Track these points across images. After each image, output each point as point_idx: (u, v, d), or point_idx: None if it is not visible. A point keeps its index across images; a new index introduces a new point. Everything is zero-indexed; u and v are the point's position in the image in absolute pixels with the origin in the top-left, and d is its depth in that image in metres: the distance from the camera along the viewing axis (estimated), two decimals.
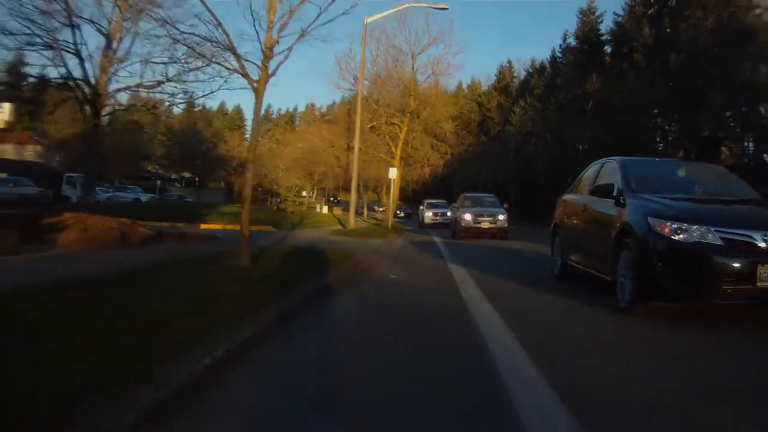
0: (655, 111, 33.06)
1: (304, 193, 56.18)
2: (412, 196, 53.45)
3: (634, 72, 33.03)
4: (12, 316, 3.87)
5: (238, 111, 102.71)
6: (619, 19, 42.37)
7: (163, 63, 11.45)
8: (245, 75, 7.27)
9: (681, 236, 4.96)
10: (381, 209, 41.52)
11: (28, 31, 10.77)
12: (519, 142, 45.54)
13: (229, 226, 16.16)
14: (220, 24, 7.19)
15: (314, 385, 3.15)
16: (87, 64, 11.27)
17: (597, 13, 46.34)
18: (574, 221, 7.61)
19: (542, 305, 6.30)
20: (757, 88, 26.44)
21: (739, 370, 3.79)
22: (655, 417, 2.81)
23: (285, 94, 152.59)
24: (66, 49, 10.85)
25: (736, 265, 4.77)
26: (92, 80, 11.27)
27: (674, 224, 5.02)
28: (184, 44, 8.27)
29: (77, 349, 3.02)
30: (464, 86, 68.32)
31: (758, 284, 4.72)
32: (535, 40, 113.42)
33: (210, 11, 7.20)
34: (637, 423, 2.73)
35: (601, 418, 2.77)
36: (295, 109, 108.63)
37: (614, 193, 6.17)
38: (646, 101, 30.65)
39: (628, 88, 31.69)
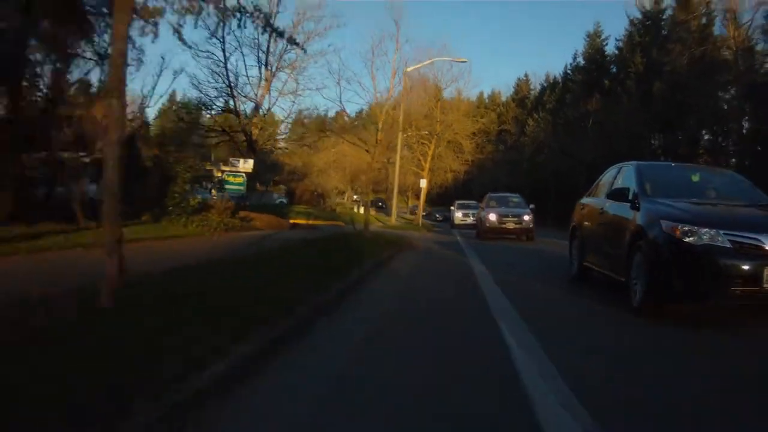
0: (644, 133, 36.48)
1: (345, 197, 61.65)
2: (436, 198, 58.01)
3: (627, 96, 38.06)
4: (286, 258, 9.55)
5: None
6: (619, 44, 46.83)
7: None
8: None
9: (691, 239, 5.18)
10: (382, 206, 46.81)
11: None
12: (532, 152, 50.76)
13: (312, 222, 22.86)
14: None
15: (405, 279, 9.03)
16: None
17: (602, 37, 51.22)
18: (592, 224, 7.95)
19: (545, 291, 7.75)
20: (722, 114, 31.75)
21: (723, 364, 4.13)
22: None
23: (316, 99, 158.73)
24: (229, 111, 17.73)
25: (744, 267, 4.98)
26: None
27: (685, 227, 5.25)
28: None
29: (324, 269, 9.13)
30: (486, 95, 72.53)
31: (765, 286, 4.93)
32: (557, 52, 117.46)
33: None
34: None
35: (536, 323, 4.91)
36: (326, 114, 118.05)
37: (629, 197, 6.52)
38: (634, 124, 34.86)
39: (622, 112, 36.48)
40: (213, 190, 16.84)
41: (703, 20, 35.47)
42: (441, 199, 55.17)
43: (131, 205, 11.76)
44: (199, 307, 4.25)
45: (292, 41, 18.11)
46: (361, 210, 46.98)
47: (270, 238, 12.46)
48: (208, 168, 18.82)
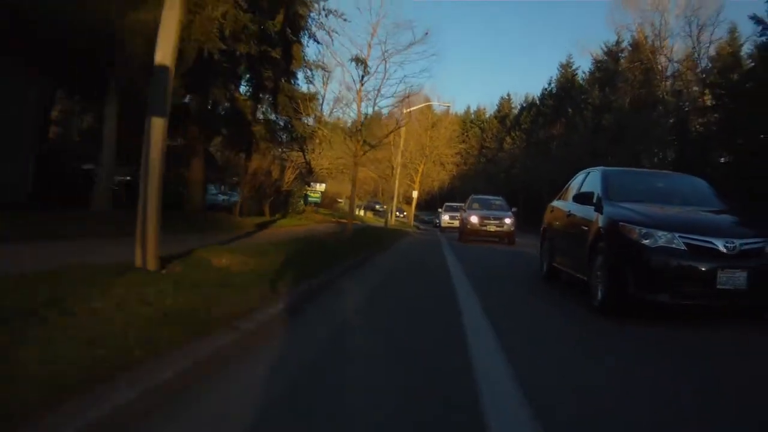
0: (590, 161, 42.91)
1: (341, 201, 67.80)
2: (423, 204, 66.43)
3: (583, 124, 45.94)
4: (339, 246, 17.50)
5: None
6: (586, 76, 54.32)
7: None
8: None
9: (648, 241, 5.51)
10: (404, 214, 50.77)
11: None
12: (508, 166, 58.43)
13: (343, 220, 30.93)
14: None
15: (403, 253, 17.02)
16: None
17: (573, 67, 58.54)
18: (559, 226, 8.37)
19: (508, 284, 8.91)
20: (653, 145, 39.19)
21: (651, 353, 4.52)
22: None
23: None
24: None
25: (698, 269, 5.35)
26: None
27: (643, 230, 5.58)
28: None
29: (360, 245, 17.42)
30: (472, 110, 79.57)
31: (718, 287, 5.29)
32: (544, 69, 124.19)
33: None
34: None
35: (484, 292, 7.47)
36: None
37: (594, 201, 6.91)
38: (584, 152, 40.34)
39: (579, 138, 44.14)
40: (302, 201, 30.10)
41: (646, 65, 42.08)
42: (427, 204, 61.58)
43: (272, 209, 21.88)
44: (317, 252, 10.10)
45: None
46: (362, 212, 54.34)
47: (336, 227, 21.04)
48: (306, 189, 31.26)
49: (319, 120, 22.87)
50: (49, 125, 20.32)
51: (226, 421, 2.69)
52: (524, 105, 68.19)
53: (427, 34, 17.07)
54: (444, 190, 58.32)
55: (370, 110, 17.89)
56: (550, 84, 61.07)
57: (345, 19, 17.94)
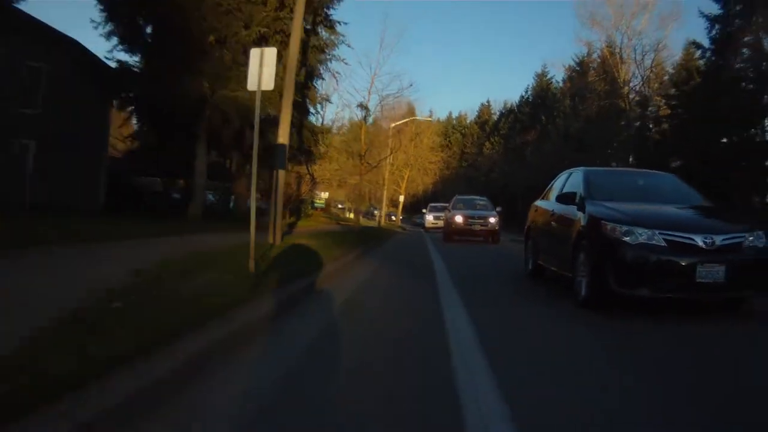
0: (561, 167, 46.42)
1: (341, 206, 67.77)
2: (408, 207, 69.45)
3: (555, 132, 48.89)
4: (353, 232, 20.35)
5: None
6: (560, 86, 56.88)
7: None
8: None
9: (629, 238, 5.61)
10: (392, 217, 52.75)
11: None
12: (487, 170, 61.36)
13: (340, 222, 33.99)
14: None
15: (399, 241, 19.86)
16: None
17: (548, 77, 61.61)
18: (543, 225, 8.41)
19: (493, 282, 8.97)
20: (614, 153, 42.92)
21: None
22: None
23: None
24: None
25: (678, 263, 5.45)
26: None
27: (624, 227, 5.70)
28: None
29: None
30: (454, 116, 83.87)
31: (697, 280, 5.40)
32: (523, 76, 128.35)
33: None
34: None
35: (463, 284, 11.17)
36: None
37: (576, 200, 7.00)
38: (557, 159, 40.24)
39: (550, 145, 46.16)
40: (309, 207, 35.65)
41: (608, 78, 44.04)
42: (413, 206, 63.61)
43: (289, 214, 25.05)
44: (348, 238, 14.69)
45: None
46: (352, 215, 58.09)
47: (342, 227, 23.77)
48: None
49: (328, 144, 27.68)
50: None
51: (346, 293, 6.82)
52: (503, 112, 71.49)
53: (411, 85, 23.63)
54: (428, 193, 60.85)
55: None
56: (527, 92, 64.41)
57: (347, 63, 23.76)
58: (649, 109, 40.81)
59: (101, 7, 17.61)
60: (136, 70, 18.12)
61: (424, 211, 36.55)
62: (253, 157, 7.39)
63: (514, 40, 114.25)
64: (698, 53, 31.48)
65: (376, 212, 58.43)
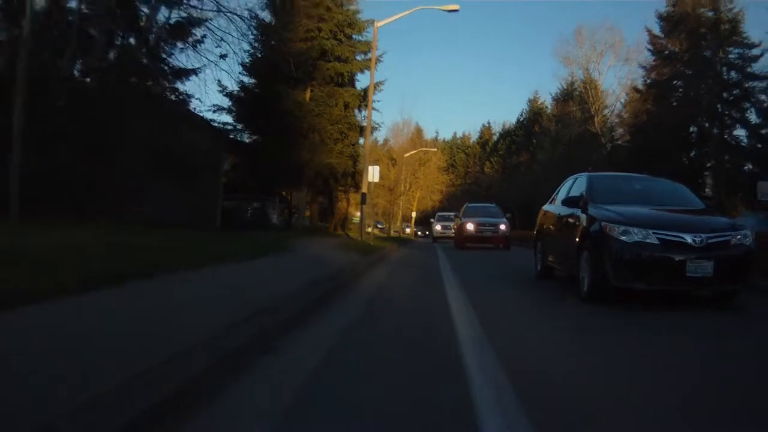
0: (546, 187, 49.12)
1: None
2: (418, 221, 70.04)
3: (544, 154, 51.49)
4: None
5: None
6: (549, 111, 59.80)
7: None
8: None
9: (626, 237, 6.00)
10: (408, 229, 58.21)
11: None
12: (488, 186, 65.02)
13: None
14: None
15: (417, 244, 23.61)
16: None
17: (539, 102, 65.94)
18: (551, 228, 8.73)
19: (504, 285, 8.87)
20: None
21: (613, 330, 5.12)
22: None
23: None
24: None
25: (669, 260, 5.82)
26: None
27: (621, 227, 6.08)
28: None
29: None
30: (458, 136, 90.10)
31: (687, 275, 5.77)
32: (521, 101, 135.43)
33: None
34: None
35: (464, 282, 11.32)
36: None
37: (580, 204, 7.23)
38: (543, 179, 42.60)
39: (540, 166, 48.85)
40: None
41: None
42: (422, 220, 66.30)
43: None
44: (389, 241, 19.50)
45: None
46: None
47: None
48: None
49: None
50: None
51: (400, 256, 16.27)
52: (501, 133, 76.50)
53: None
54: (436, 208, 62.45)
55: None
56: (521, 115, 69.34)
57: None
58: (618, 134, 49.47)
59: (231, 104, 26.74)
60: (248, 141, 27.08)
61: (432, 220, 36.30)
62: (361, 203, 18.09)
63: (513, 65, 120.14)
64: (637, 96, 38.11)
65: (379, 225, 62.60)
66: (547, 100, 63.16)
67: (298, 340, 4.07)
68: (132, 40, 18.72)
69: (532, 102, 69.06)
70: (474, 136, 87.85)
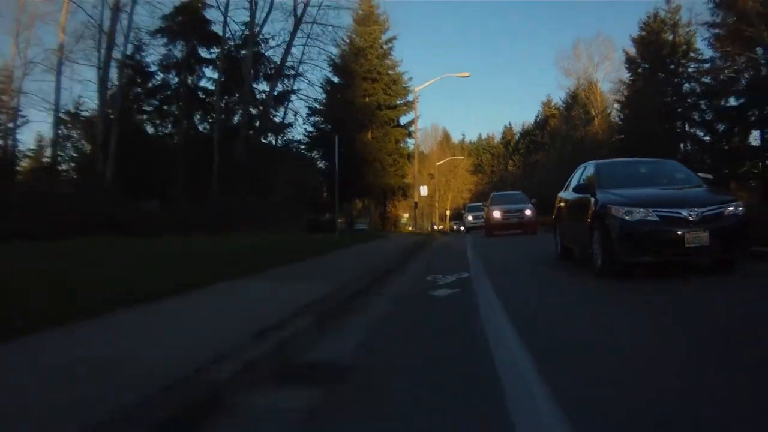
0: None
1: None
2: (452, 216, 75.26)
3: (555, 154, 54.48)
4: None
5: None
6: (560, 111, 62.22)
7: None
8: None
9: (629, 216, 6.43)
10: (441, 225, 61.67)
11: None
12: (512, 183, 67.71)
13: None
14: None
15: (453, 236, 23.64)
16: None
17: (552, 103, 69.05)
18: (566, 212, 9.16)
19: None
20: None
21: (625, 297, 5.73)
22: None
23: None
24: None
25: (669, 234, 6.25)
26: None
27: (625, 208, 6.50)
28: None
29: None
30: (483, 136, 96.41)
31: (687, 245, 6.18)
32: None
33: None
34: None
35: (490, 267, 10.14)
36: None
37: (589, 189, 7.63)
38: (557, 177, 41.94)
39: (552, 165, 50.84)
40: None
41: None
42: (456, 216, 71.86)
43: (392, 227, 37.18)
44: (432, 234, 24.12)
45: None
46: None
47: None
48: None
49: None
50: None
51: (445, 240, 22.01)
52: (521, 133, 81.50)
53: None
54: (466, 204, 65.31)
55: None
56: (537, 117, 73.84)
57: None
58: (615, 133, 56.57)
59: (321, 151, 35.06)
60: (324, 168, 34.02)
61: (463, 212, 39.68)
62: (414, 208, 30.02)
63: (533, 65, 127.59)
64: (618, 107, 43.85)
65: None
66: (559, 102, 67.37)
67: (416, 258, 11.14)
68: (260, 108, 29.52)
69: (546, 104, 73.23)
70: (497, 137, 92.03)
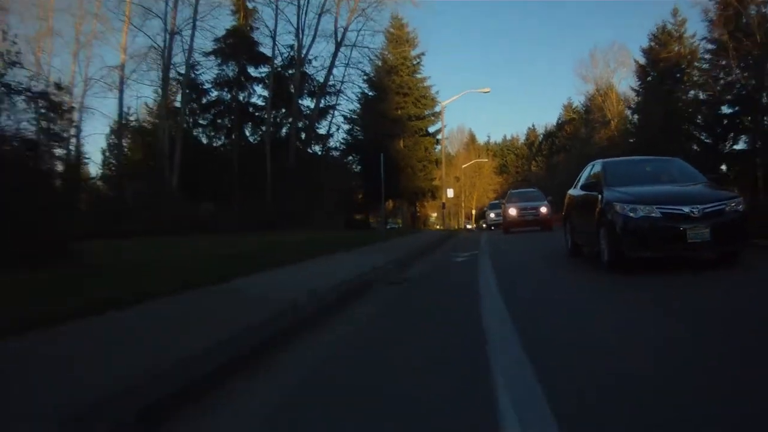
0: None
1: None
2: (477, 216, 74.06)
3: (575, 153, 54.26)
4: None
5: None
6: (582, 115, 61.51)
7: None
8: None
9: (633, 213, 6.58)
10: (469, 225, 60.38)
11: None
12: (535, 182, 65.00)
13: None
14: None
15: (466, 236, 23.78)
16: None
17: (573, 106, 69.02)
18: (575, 209, 9.16)
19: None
20: None
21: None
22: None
23: None
24: None
25: (672, 229, 6.33)
26: None
27: (629, 205, 6.63)
28: None
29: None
30: (508, 137, 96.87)
31: (688, 241, 6.26)
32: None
33: None
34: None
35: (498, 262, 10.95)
36: None
37: (596, 187, 7.72)
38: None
39: (572, 166, 60.29)
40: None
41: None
42: (481, 216, 66.08)
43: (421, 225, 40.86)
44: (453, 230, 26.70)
45: None
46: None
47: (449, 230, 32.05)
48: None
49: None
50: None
51: (466, 235, 25.69)
52: (544, 134, 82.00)
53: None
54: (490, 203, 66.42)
55: None
56: (559, 118, 74.02)
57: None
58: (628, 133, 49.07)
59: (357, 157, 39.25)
60: (359, 171, 36.61)
61: (485, 209, 40.17)
62: (441, 208, 31.93)
63: (557, 66, 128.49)
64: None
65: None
66: (578, 105, 69.04)
67: (445, 244, 15.46)
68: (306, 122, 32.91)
69: (566, 107, 73.79)
70: (522, 138, 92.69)
